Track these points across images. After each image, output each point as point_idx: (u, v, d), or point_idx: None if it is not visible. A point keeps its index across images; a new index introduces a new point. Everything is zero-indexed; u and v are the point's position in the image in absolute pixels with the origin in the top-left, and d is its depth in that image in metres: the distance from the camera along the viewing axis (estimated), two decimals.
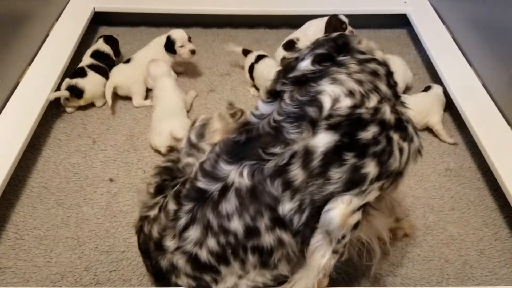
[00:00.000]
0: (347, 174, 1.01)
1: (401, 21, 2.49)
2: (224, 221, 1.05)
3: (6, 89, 1.82)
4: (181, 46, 2.02)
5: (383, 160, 1.03)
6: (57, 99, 1.94)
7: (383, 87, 1.07)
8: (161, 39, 2.11)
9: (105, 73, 2.03)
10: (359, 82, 1.03)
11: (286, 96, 1.05)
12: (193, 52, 2.04)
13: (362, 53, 1.10)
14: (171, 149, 1.37)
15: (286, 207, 1.02)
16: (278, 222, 1.03)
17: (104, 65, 2.06)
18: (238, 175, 1.03)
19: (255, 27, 2.53)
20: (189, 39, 2.06)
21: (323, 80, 1.03)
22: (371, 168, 1.02)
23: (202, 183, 1.08)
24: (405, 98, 1.21)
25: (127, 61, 2.09)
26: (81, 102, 1.96)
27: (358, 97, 1.01)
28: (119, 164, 1.76)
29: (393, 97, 1.09)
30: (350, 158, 1.00)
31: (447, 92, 1.95)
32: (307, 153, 1.00)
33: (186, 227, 1.09)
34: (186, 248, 1.10)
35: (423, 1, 2.46)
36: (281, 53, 2.16)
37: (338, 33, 1.17)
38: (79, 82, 1.94)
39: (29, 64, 1.98)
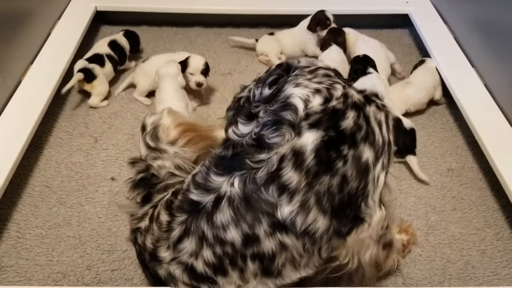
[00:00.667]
0: (354, 166, 1.04)
1: (402, 21, 2.49)
2: (219, 231, 1.05)
3: (8, 88, 1.82)
4: (191, 74, 1.96)
5: (371, 140, 1.07)
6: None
7: (339, 80, 1.13)
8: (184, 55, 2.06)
9: (115, 65, 2.09)
10: (319, 83, 1.09)
11: (261, 113, 1.10)
12: (199, 84, 1.96)
13: (308, 66, 1.17)
14: (134, 162, 1.37)
15: (285, 210, 1.02)
16: (278, 226, 1.03)
17: (117, 57, 2.10)
18: (229, 186, 1.05)
19: (257, 27, 2.53)
20: (205, 71, 1.98)
21: (287, 86, 1.09)
22: (367, 153, 1.06)
23: (194, 195, 1.09)
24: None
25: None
26: (87, 87, 1.98)
27: (325, 92, 1.07)
28: (120, 163, 1.76)
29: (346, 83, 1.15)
30: (348, 151, 1.04)
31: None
32: (297, 154, 1.02)
33: (180, 239, 1.10)
34: (181, 259, 1.10)
35: (425, 1, 2.46)
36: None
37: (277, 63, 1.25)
38: (95, 68, 1.98)
39: (31, 62, 1.98)
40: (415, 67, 2.10)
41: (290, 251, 1.06)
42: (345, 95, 1.08)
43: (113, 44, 2.12)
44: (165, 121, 1.35)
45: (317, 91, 1.07)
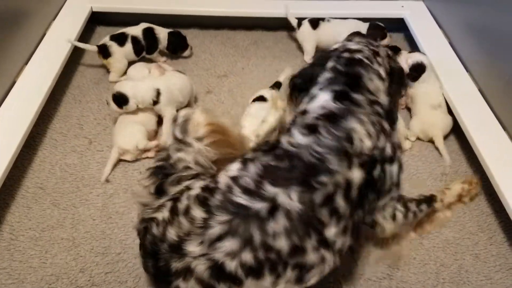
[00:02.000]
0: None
1: (398, 25, 2.50)
2: (269, 238, 1.09)
3: (2, 88, 1.80)
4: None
5: (382, 190, 1.26)
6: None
7: (386, 125, 1.26)
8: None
9: (139, 50, 2.16)
10: (372, 124, 1.22)
11: (322, 131, 1.18)
12: None
13: (371, 93, 1.28)
14: (159, 149, 1.41)
15: (332, 231, 1.14)
16: (324, 243, 1.14)
17: (146, 44, 2.17)
18: (287, 198, 1.10)
19: (253, 29, 2.53)
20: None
21: (350, 118, 1.20)
22: (385, 200, 1.29)
23: (242, 200, 1.12)
24: None
25: None
26: (104, 63, 2.12)
27: (374, 138, 1.21)
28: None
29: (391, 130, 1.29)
30: (370, 195, 1.23)
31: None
32: (347, 185, 1.15)
33: (220, 238, 1.11)
34: (214, 256, 1.10)
35: (420, 5, 2.48)
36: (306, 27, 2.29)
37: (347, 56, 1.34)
38: (113, 46, 2.08)
39: (26, 63, 1.97)
40: None
41: (325, 265, 1.16)
42: (382, 150, 1.22)
43: (148, 31, 2.17)
44: (197, 116, 1.37)
45: (369, 135, 1.20)
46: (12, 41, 1.89)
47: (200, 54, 2.35)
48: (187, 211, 1.16)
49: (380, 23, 2.30)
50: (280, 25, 2.52)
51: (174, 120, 1.40)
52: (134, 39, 2.14)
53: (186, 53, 2.31)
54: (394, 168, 1.25)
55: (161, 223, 1.19)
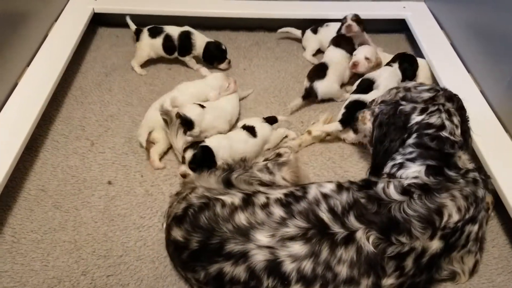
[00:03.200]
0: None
1: (399, 26, 2.50)
2: (333, 260, 1.18)
3: (4, 90, 1.81)
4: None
5: (457, 245, 1.34)
6: None
7: (480, 192, 1.35)
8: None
9: (168, 48, 2.21)
10: (465, 198, 1.30)
11: (415, 197, 1.27)
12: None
13: (461, 168, 1.36)
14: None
15: (389, 281, 1.22)
16: (377, 287, 1.22)
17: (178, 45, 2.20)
18: (364, 238, 1.20)
19: (255, 30, 2.53)
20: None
21: (443, 194, 1.29)
22: (461, 253, 1.37)
23: (325, 216, 1.23)
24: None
25: None
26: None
27: (462, 212, 1.28)
28: (117, 167, 1.75)
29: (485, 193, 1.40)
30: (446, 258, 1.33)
31: None
32: (422, 252, 1.23)
33: (293, 238, 1.19)
34: (278, 252, 1.18)
35: (422, 6, 2.47)
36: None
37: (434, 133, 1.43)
38: (144, 33, 2.20)
39: (28, 65, 1.97)
40: None
41: None
42: (471, 218, 1.31)
43: (185, 34, 2.18)
44: (292, 164, 1.55)
45: (459, 210, 1.28)
46: (13, 43, 1.90)
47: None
48: (265, 206, 1.25)
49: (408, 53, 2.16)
50: (281, 26, 2.52)
51: (277, 155, 1.59)
52: (168, 37, 2.17)
53: (223, 66, 2.24)
54: (475, 227, 1.34)
55: (228, 206, 1.26)
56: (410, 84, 1.64)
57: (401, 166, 1.38)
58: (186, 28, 2.22)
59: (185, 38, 2.18)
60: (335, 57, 2.10)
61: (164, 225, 1.43)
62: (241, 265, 1.18)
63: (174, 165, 1.77)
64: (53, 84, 1.91)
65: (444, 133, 1.42)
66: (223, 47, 2.22)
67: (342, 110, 1.88)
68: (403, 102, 1.51)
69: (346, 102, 1.91)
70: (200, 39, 2.21)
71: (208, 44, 2.20)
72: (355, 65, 2.03)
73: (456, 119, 1.48)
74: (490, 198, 1.62)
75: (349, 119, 1.81)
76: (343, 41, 2.16)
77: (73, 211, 1.60)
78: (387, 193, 1.29)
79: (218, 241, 1.21)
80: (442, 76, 2.01)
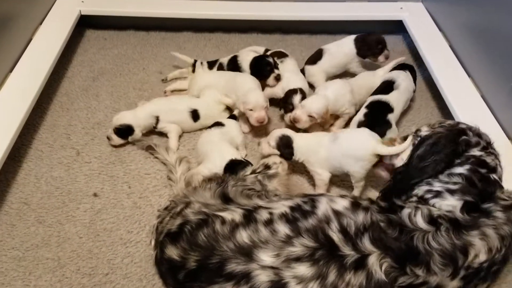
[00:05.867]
0: None
1: (396, 28, 2.43)
2: (340, 284, 1.09)
3: None
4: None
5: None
6: None
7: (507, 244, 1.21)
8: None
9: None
10: (501, 238, 1.19)
11: (442, 229, 1.17)
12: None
13: (505, 199, 1.25)
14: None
15: None
16: None
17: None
18: (377, 264, 1.11)
19: (248, 32, 2.46)
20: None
21: (474, 232, 1.18)
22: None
23: (335, 237, 1.13)
24: None
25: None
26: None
27: (493, 252, 1.17)
28: (104, 178, 1.68)
29: None
30: None
31: None
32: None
33: (299, 259, 1.11)
34: (283, 273, 1.10)
35: (419, 7, 2.41)
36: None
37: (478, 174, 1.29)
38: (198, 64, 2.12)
39: (11, 70, 1.88)
40: None
41: None
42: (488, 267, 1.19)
43: (232, 59, 2.07)
44: (281, 177, 1.49)
45: (490, 250, 1.17)
46: None
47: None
48: (269, 223, 1.17)
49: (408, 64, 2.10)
50: (275, 27, 2.46)
51: (265, 166, 1.50)
52: (220, 65, 2.09)
53: (270, 81, 1.95)
54: (501, 267, 1.24)
55: (229, 223, 1.18)
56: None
57: (437, 194, 1.26)
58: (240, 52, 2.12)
59: (232, 62, 2.07)
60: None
61: (153, 242, 1.36)
62: (243, 286, 1.10)
63: (163, 175, 1.69)
64: (37, 90, 1.83)
65: (494, 176, 1.30)
66: (269, 59, 1.96)
67: (364, 110, 1.79)
68: (470, 133, 1.36)
69: (367, 102, 1.84)
70: (245, 60, 2.04)
71: (253, 60, 2.00)
72: (295, 120, 1.76)
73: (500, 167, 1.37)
74: None
75: (373, 123, 1.72)
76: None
77: (57, 225, 1.53)
78: (412, 220, 1.18)
79: (218, 260, 1.14)
80: (441, 80, 1.95)
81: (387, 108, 1.80)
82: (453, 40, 2.14)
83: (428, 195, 1.27)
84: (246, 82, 1.89)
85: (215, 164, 1.60)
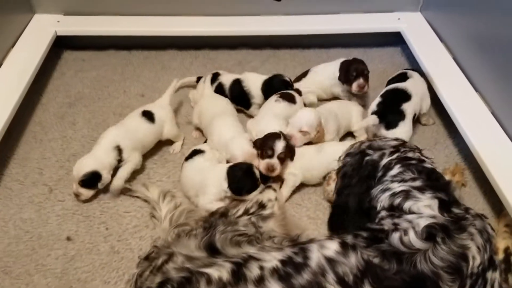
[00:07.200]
0: None
1: (394, 39, 2.30)
2: None
3: None
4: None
5: None
6: None
7: (489, 228, 1.17)
8: None
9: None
10: (480, 233, 1.12)
11: (439, 240, 1.07)
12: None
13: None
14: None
15: None
16: None
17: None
18: None
19: (237, 48, 2.31)
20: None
21: (463, 235, 1.10)
22: None
23: None
24: None
25: None
26: None
27: (481, 251, 1.10)
28: (78, 218, 1.51)
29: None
30: None
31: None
32: None
33: None
34: None
35: (418, 17, 2.27)
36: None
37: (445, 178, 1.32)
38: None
39: None
40: None
41: None
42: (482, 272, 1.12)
43: (236, 84, 1.91)
44: (278, 212, 1.34)
45: (479, 249, 1.09)
46: None
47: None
48: (260, 281, 1.02)
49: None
50: (266, 42, 2.31)
51: (261, 205, 1.35)
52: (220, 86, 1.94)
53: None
54: (496, 274, 1.14)
55: (215, 283, 1.02)
56: (377, 139, 1.46)
57: (407, 195, 1.17)
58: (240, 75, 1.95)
59: (237, 86, 1.90)
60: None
61: None
62: None
63: (145, 213, 1.53)
64: (7, 119, 1.68)
65: (428, 165, 1.27)
66: (285, 78, 1.86)
67: (378, 99, 1.74)
68: (371, 151, 1.35)
69: (383, 91, 1.78)
70: (254, 84, 1.88)
71: (265, 83, 1.87)
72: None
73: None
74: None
75: (385, 111, 1.69)
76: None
77: (25, 277, 1.35)
78: (406, 243, 1.07)
79: None
80: (446, 97, 1.80)
81: (403, 96, 1.73)
82: (456, 52, 1.99)
83: (398, 200, 1.18)
84: (223, 129, 1.67)
85: (218, 190, 1.48)
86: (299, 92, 1.86)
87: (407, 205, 1.16)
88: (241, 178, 1.49)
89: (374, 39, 2.31)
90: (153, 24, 2.20)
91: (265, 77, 1.90)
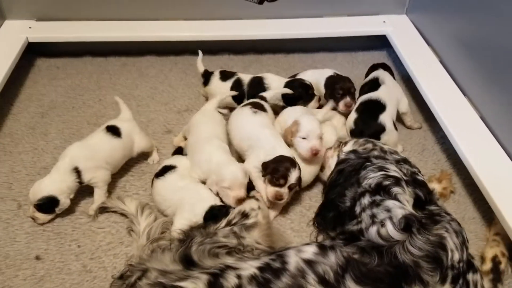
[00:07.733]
0: None
1: (380, 43, 2.25)
2: None
3: None
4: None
5: None
6: None
7: (465, 234, 1.18)
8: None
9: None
10: (456, 233, 1.14)
11: (414, 231, 1.09)
12: (314, 152, 1.53)
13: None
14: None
15: None
16: None
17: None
18: None
19: (218, 53, 2.24)
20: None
21: (437, 226, 1.13)
22: None
23: None
24: None
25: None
26: None
27: (459, 249, 1.11)
28: (48, 236, 1.42)
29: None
30: None
31: None
32: None
33: None
34: None
35: (404, 20, 2.23)
36: None
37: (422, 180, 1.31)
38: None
39: None
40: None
41: None
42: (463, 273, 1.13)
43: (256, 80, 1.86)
44: (262, 221, 1.28)
45: (456, 246, 1.11)
46: None
47: (157, 85, 2.05)
48: None
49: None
50: (249, 47, 2.25)
51: (242, 214, 1.28)
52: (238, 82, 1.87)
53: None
54: (477, 277, 1.15)
55: None
56: (387, 147, 1.45)
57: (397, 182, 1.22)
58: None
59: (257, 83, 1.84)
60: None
61: None
62: None
63: (119, 228, 1.44)
64: None
65: (419, 177, 1.31)
66: (305, 81, 1.81)
67: (354, 115, 1.70)
68: (374, 159, 1.36)
69: (357, 104, 1.74)
70: (275, 83, 1.83)
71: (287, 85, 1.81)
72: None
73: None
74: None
75: (364, 127, 1.65)
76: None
77: None
78: (384, 236, 1.09)
79: None
80: (434, 101, 1.75)
81: (378, 107, 1.67)
82: (443, 55, 1.95)
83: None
84: (216, 152, 1.51)
85: (194, 213, 1.37)
86: (264, 99, 1.77)
87: (394, 190, 1.19)
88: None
89: (359, 42, 2.27)
90: (130, 29, 2.12)
91: (285, 79, 1.85)
